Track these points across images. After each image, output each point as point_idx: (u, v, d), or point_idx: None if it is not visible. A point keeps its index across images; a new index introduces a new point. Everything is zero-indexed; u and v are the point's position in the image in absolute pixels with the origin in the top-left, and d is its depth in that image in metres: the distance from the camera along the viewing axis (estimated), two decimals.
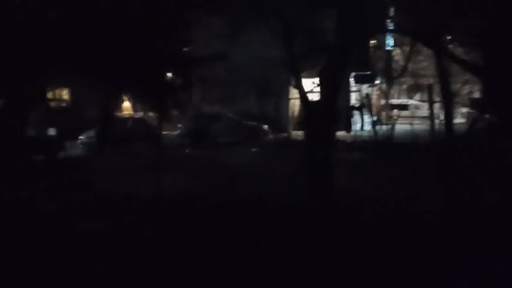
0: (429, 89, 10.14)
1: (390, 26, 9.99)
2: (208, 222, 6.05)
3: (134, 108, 26.64)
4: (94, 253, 5.14)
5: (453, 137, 6.46)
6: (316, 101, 6.18)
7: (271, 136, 20.21)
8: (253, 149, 16.67)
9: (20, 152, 12.87)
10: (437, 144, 8.17)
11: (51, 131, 18.96)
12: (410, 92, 19.31)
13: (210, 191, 8.30)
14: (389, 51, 20.98)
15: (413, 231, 5.27)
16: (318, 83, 6.77)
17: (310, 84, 19.99)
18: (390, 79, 18.83)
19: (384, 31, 13.80)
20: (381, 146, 13.09)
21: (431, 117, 9.86)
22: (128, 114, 24.84)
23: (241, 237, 5.44)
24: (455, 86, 18.75)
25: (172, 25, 13.02)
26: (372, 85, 18.89)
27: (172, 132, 19.29)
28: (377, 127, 14.98)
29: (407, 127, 15.06)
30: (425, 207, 6.10)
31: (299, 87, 5.93)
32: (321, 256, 4.68)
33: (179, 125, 20.25)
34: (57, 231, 6.00)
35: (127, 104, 25.97)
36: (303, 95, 5.96)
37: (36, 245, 5.38)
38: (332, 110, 5.74)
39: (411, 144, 11.86)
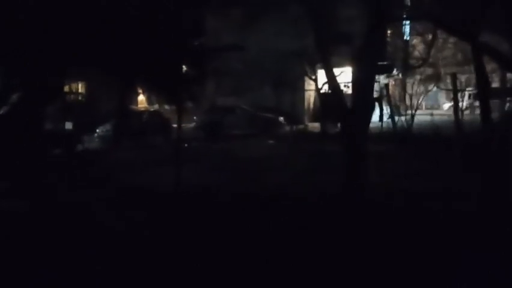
0: (453, 78, 9.86)
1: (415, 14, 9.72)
2: (235, 215, 5.94)
3: (149, 101, 26.71)
4: (118, 246, 5.09)
5: (490, 128, 6.22)
6: (340, 93, 5.98)
7: (287, 128, 20.06)
8: (270, 142, 16.54)
9: (38, 146, 12.94)
10: (465, 137, 7.94)
11: (68, 125, 19.07)
12: (429, 82, 18.90)
13: (230, 184, 8.21)
14: (407, 40, 20.59)
15: (456, 229, 5.02)
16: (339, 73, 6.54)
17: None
18: (409, 69, 18.47)
19: (413, 19, 13.47)
20: (402, 137, 12.84)
21: (455, 107, 9.59)
22: (144, 107, 24.91)
23: (278, 231, 5.30)
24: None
25: (186, 17, 12.92)
26: (390, 75, 18.58)
27: (187, 125, 19.27)
28: (396, 118, 14.70)
29: (426, 118, 14.78)
30: (463, 204, 5.86)
31: (329, 77, 5.72)
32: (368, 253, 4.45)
33: (194, 118, 20.21)
34: (80, 223, 5.97)
35: (141, 98, 26.05)
36: (334, 85, 5.75)
37: (60, 237, 5.35)
38: (366, 101, 5.55)
39: (433, 136, 11.60)
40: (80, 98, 22.72)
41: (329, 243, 4.87)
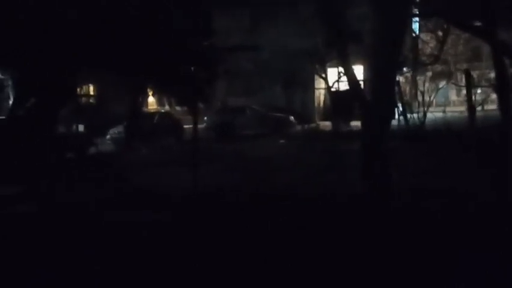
0: (467, 74, 9.78)
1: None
2: (251, 215, 5.93)
3: (160, 103, 26.84)
4: (136, 247, 5.10)
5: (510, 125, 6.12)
6: (359, 89, 5.93)
7: (298, 127, 20.03)
8: (281, 141, 16.52)
9: (51, 149, 13.07)
10: (482, 133, 7.84)
11: (81, 128, 19.21)
12: (439, 79, 18.77)
13: (244, 184, 8.20)
14: (417, 37, 20.44)
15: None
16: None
17: (336, 74, 19.82)
18: (420, 66, 18.35)
19: (425, 16, 13.38)
20: (414, 134, 12.76)
21: (469, 104, 9.51)
22: (154, 109, 25.03)
23: (295, 231, 5.28)
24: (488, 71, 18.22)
25: (197, 18, 12.95)
26: (401, 72, 18.46)
27: (198, 125, 19.31)
28: (408, 115, 14.59)
29: (439, 115, 14.66)
30: (477, 202, 5.79)
31: (348, 74, 5.66)
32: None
33: (205, 118, 20.25)
34: (94, 225, 6.00)
35: (152, 99, 26.17)
36: (354, 82, 5.70)
37: (75, 239, 5.39)
38: (388, 99, 5.51)
39: (446, 132, 11.50)
40: (91, 100, 22.90)
41: (345, 243, 4.85)
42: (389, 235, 4.94)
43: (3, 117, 12.25)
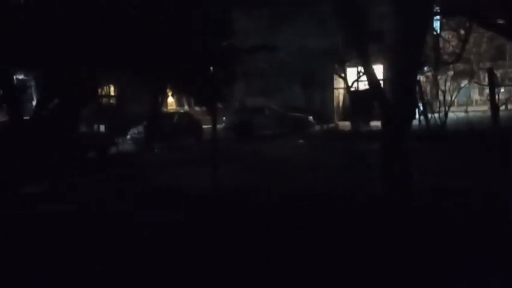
0: (490, 73, 9.56)
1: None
2: (273, 215, 5.93)
3: (179, 103, 27.09)
4: (158, 246, 5.15)
5: None
6: (379, 89, 5.87)
7: (317, 127, 19.96)
8: (300, 141, 16.48)
9: (73, 149, 13.30)
10: (506, 133, 7.68)
11: (102, 128, 19.50)
12: (461, 78, 18.45)
13: (264, 183, 8.20)
14: (438, 35, 20.15)
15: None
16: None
17: (355, 74, 19.67)
18: (442, 65, 18.08)
19: (448, 14, 13.18)
20: (435, 134, 12.59)
21: (492, 103, 9.31)
22: (174, 109, 25.27)
23: (316, 231, 5.26)
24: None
25: (216, 18, 13.01)
26: (422, 72, 18.22)
27: (217, 125, 19.39)
28: (429, 115, 14.42)
29: (461, 114, 14.44)
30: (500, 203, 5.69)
31: (369, 74, 5.62)
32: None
33: (224, 119, 20.32)
34: (115, 224, 6.08)
35: (171, 100, 26.43)
36: (374, 81, 5.65)
37: (98, 237, 5.47)
38: (409, 98, 5.45)
39: (470, 132, 11.30)
40: (112, 101, 23.24)
41: (366, 243, 4.81)
42: (410, 235, 4.89)
43: (27, 117, 12.50)
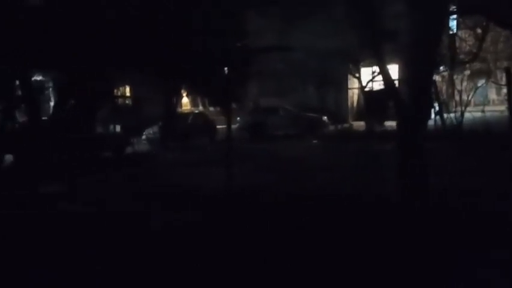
0: (508, 72, 9.47)
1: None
2: (289, 215, 5.94)
3: (193, 103, 27.25)
4: (175, 246, 5.20)
5: None
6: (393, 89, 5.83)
7: (331, 127, 19.90)
8: (314, 141, 16.45)
9: (90, 149, 13.49)
10: None
11: (117, 128, 19.70)
12: (479, 77, 18.24)
13: (279, 184, 8.22)
14: (454, 34, 19.92)
15: None
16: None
17: (370, 74, 19.55)
18: (458, 64, 17.88)
19: (464, 13, 13.04)
20: (451, 134, 12.45)
21: (510, 103, 9.22)
22: (188, 109, 25.42)
23: (331, 231, 5.26)
24: None
25: (230, 19, 13.06)
26: (438, 71, 18.04)
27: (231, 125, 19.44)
28: (445, 115, 14.26)
29: (477, 115, 14.27)
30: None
31: (384, 74, 5.59)
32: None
33: (238, 119, 20.37)
34: (132, 224, 6.14)
35: (186, 100, 26.61)
36: (389, 81, 5.62)
37: (114, 237, 5.53)
38: (424, 98, 5.42)
39: (486, 132, 11.17)
40: (128, 101, 23.46)
41: (381, 243, 4.80)
42: (425, 235, 4.87)
43: (45, 118, 12.71)
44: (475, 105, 18.22)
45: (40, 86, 14.62)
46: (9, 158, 11.45)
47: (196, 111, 22.86)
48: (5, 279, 4.52)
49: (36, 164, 9.76)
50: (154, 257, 4.88)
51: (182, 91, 20.92)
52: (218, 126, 19.07)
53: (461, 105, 14.38)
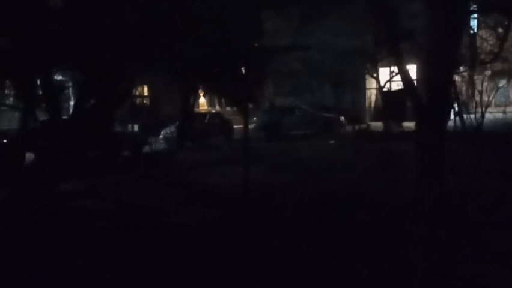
0: None
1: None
2: (306, 216, 5.94)
3: (210, 103, 27.38)
4: (194, 245, 5.23)
5: None
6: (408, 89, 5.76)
7: (348, 128, 19.79)
8: (331, 142, 16.37)
9: (109, 148, 13.65)
10: None
11: (135, 127, 19.88)
12: (499, 78, 17.90)
13: (295, 184, 8.22)
14: (475, 34, 19.61)
15: None
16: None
17: (388, 74, 19.37)
18: (478, 64, 17.60)
19: (484, 12, 12.86)
20: (471, 136, 12.25)
21: None
22: (205, 109, 25.55)
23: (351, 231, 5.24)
24: None
25: (247, 19, 13.07)
26: (458, 71, 17.79)
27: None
28: (465, 116, 14.04)
29: (498, 115, 14.03)
30: None
31: (402, 74, 5.53)
32: None
33: (254, 118, 20.40)
34: (150, 222, 6.20)
35: (202, 100, 26.75)
36: (408, 81, 5.56)
37: (132, 235, 5.60)
38: (444, 99, 5.35)
39: (508, 134, 10.97)
40: (145, 101, 23.68)
41: (398, 243, 4.76)
42: (444, 236, 4.82)
43: (65, 117, 12.89)
44: (496, 106, 17.91)
45: (60, 86, 14.85)
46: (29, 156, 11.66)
47: (213, 111, 22.97)
48: (28, 270, 4.62)
49: (56, 162, 9.91)
50: (169, 254, 4.91)
51: (199, 91, 21.02)
52: (234, 126, 19.12)
53: (481, 106, 14.14)
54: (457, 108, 14.82)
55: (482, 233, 5.01)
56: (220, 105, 25.91)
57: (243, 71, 13.46)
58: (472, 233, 5.00)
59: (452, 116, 15.43)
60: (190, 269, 4.56)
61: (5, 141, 11.06)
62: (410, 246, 4.64)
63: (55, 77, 13.77)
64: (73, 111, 13.09)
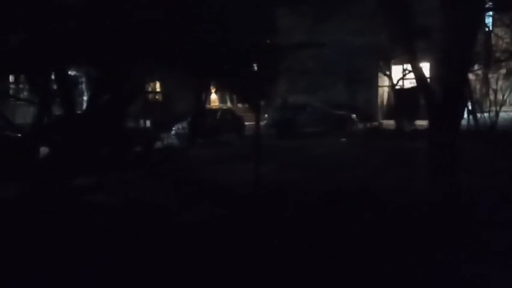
0: None
1: None
2: (319, 213, 5.93)
3: (222, 100, 27.42)
4: (204, 243, 5.25)
5: None
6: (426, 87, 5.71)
7: (360, 125, 19.68)
8: (343, 139, 16.30)
9: (121, 143, 13.75)
10: None
11: (147, 123, 20.01)
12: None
13: (307, 181, 8.21)
14: (490, 31, 19.34)
15: None
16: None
17: (401, 71, 19.21)
18: (493, 62, 17.36)
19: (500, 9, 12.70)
20: (485, 135, 12.12)
21: None
22: (217, 106, 25.58)
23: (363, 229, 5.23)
24: None
25: (260, 16, 13.04)
26: (472, 69, 17.57)
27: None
28: (479, 115, 13.89)
29: None
30: None
31: (416, 72, 5.50)
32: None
33: (266, 115, 20.38)
34: (161, 219, 6.23)
35: (214, 96, 26.79)
36: (422, 79, 5.53)
37: (143, 231, 5.63)
38: (458, 97, 5.30)
39: None
40: (158, 97, 23.79)
41: (412, 243, 4.74)
42: (456, 235, 4.79)
43: (79, 112, 13.01)
44: (511, 104, 17.69)
45: (74, 81, 14.99)
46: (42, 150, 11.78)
47: (225, 108, 23.00)
48: (41, 262, 4.69)
49: (70, 157, 10.02)
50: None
51: (211, 87, 21.05)
52: (246, 123, 19.13)
53: (495, 104, 13.97)
54: (470, 107, 14.67)
55: (487, 233, 4.95)
56: (231, 101, 25.93)
57: (255, 68, 13.47)
58: (477, 232, 4.95)
59: (465, 115, 15.28)
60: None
61: (19, 135, 11.20)
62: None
63: (69, 72, 13.91)
64: (86, 106, 13.20)
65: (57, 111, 12.21)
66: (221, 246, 5.08)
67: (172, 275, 4.41)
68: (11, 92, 16.07)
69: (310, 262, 4.48)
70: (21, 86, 16.11)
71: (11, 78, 15.74)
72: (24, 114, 15.00)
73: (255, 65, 13.69)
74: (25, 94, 15.39)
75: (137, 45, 10.49)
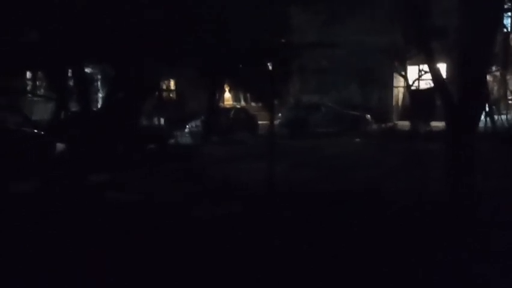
0: None
1: None
2: (331, 213, 5.92)
3: (235, 98, 27.47)
4: (217, 240, 5.26)
5: None
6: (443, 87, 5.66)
7: (374, 126, 19.55)
8: (357, 140, 16.21)
9: (135, 141, 13.86)
10: None
11: (161, 121, 20.13)
12: None
13: (320, 181, 8.19)
14: (508, 32, 19.06)
15: None
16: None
17: (416, 72, 19.04)
18: (510, 63, 17.12)
19: None
20: (503, 136, 11.98)
21: None
22: (230, 104, 25.65)
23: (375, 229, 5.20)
24: None
25: (274, 15, 13.03)
26: (490, 71, 17.35)
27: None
28: (496, 116, 13.75)
29: None
30: None
31: (433, 72, 5.44)
32: None
33: (279, 115, 20.35)
34: (174, 216, 6.26)
35: (228, 95, 26.86)
36: (439, 80, 5.47)
37: (156, 228, 5.67)
38: (476, 99, 5.24)
39: None
40: (172, 95, 23.93)
41: (424, 243, 4.70)
42: (470, 236, 4.75)
43: (94, 109, 13.15)
44: None
45: (90, 78, 15.15)
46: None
47: (238, 106, 23.03)
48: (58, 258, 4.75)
49: (85, 153, 10.12)
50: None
51: (225, 86, 21.11)
52: (259, 122, 19.13)
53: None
54: (487, 108, 14.49)
55: (489, 233, 4.90)
56: (245, 100, 25.96)
57: (269, 67, 13.45)
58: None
59: (482, 117, 15.08)
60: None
61: (36, 131, 11.35)
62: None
63: (86, 69, 14.07)
64: (102, 104, 13.33)
65: (73, 107, 12.35)
66: (232, 243, 5.09)
67: (180, 270, 4.41)
68: (28, 88, 16.32)
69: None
70: (38, 82, 16.35)
71: (29, 74, 15.99)
72: (41, 111, 15.24)
73: (269, 64, 13.68)
74: (42, 91, 15.61)
75: (151, 43, 10.56)
